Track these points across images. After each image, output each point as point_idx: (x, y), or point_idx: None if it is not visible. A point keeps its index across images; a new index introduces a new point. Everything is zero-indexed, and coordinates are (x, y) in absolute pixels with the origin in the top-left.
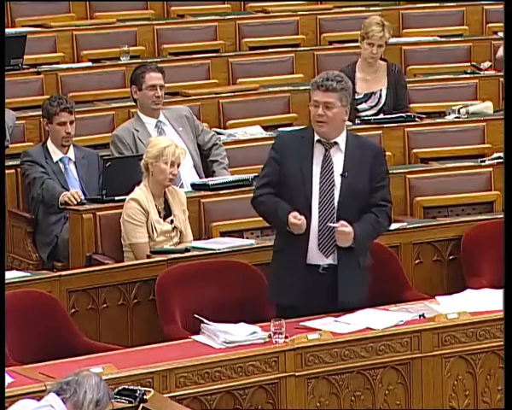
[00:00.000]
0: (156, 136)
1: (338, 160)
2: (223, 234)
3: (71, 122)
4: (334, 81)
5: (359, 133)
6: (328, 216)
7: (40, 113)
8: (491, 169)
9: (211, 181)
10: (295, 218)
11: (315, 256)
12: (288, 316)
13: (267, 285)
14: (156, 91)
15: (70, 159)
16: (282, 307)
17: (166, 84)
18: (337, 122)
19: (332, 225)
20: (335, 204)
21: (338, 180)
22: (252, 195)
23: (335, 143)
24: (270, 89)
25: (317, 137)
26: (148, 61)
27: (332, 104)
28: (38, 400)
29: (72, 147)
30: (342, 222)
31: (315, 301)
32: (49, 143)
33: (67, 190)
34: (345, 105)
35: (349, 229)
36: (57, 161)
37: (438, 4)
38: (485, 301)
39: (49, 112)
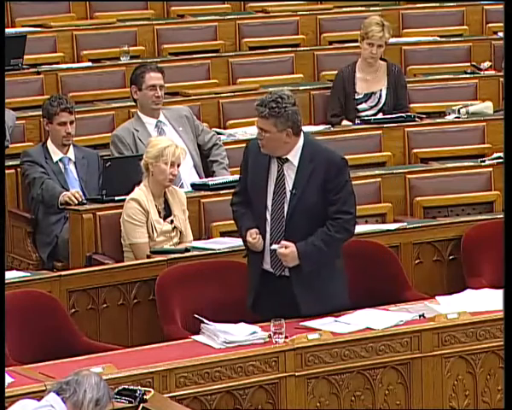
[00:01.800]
0: (156, 136)
1: (291, 175)
2: (223, 234)
3: (71, 122)
4: (267, 108)
5: (359, 133)
6: (279, 233)
7: (40, 113)
8: (491, 169)
9: (211, 181)
10: (251, 236)
11: (269, 266)
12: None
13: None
14: (156, 91)
15: (70, 159)
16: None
17: (166, 84)
18: (277, 144)
19: (273, 247)
20: (284, 220)
21: (288, 197)
22: None
23: (287, 159)
24: (270, 89)
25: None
26: (148, 61)
27: (266, 130)
28: (38, 400)
29: (72, 147)
30: (282, 243)
31: (275, 305)
32: (49, 143)
33: (67, 190)
34: (282, 129)
35: (288, 250)
36: (57, 161)
37: (438, 4)
38: (485, 301)
39: (50, 112)
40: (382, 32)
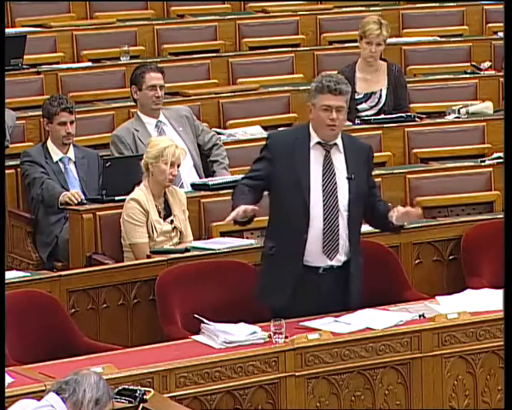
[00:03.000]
0: (156, 136)
1: (339, 161)
2: (223, 234)
3: (71, 122)
4: (343, 84)
5: (359, 133)
6: (333, 219)
7: (40, 113)
8: (491, 169)
9: (211, 181)
10: (246, 211)
11: (317, 259)
12: (282, 316)
13: (258, 287)
14: (156, 91)
15: (70, 159)
16: (274, 309)
17: (166, 84)
18: (343, 124)
19: (392, 215)
20: (341, 206)
21: (342, 183)
22: None
23: (335, 144)
24: (270, 89)
25: (316, 140)
26: (148, 61)
27: (343, 108)
28: (38, 400)
29: (72, 147)
30: (397, 209)
31: (312, 301)
32: (49, 143)
33: (67, 190)
34: (347, 107)
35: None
36: (57, 161)
37: (438, 4)
38: (485, 301)
39: (50, 112)
40: (380, 30)
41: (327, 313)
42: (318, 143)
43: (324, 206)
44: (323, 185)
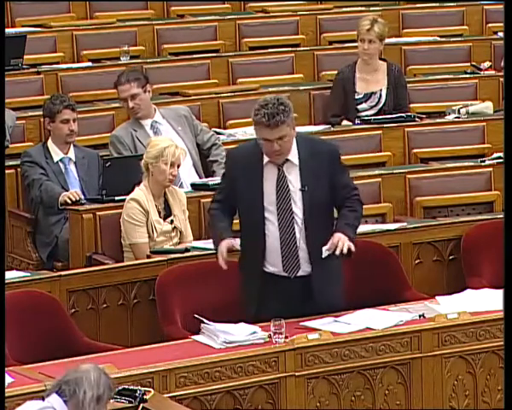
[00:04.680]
0: (152, 136)
1: (293, 175)
2: None
3: (74, 120)
4: (280, 114)
5: (359, 133)
6: (289, 235)
7: (40, 113)
8: (491, 169)
9: (211, 181)
10: (231, 246)
11: (282, 272)
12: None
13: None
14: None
15: (70, 159)
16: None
17: (166, 85)
18: (291, 145)
19: (325, 250)
20: (297, 220)
21: (297, 196)
22: None
23: (287, 160)
24: (270, 89)
25: (266, 159)
26: (148, 60)
27: (283, 136)
28: (42, 400)
29: (72, 147)
30: (331, 242)
31: (278, 307)
32: (50, 143)
33: (67, 190)
34: (293, 126)
35: (340, 235)
36: (57, 162)
37: (438, 4)
38: (485, 301)
39: (52, 110)
40: (370, 27)
41: (295, 316)
42: (270, 161)
43: (279, 223)
44: (277, 202)
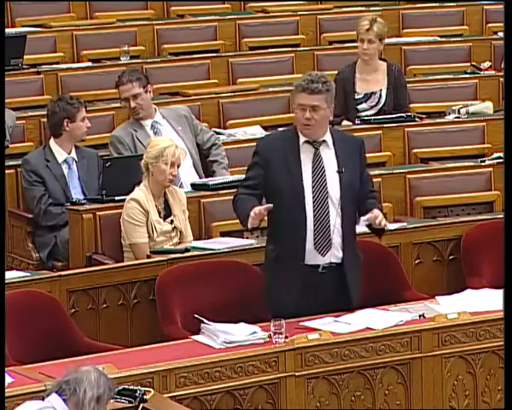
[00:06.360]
0: (152, 136)
1: (329, 157)
2: (223, 234)
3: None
4: (320, 83)
5: (359, 133)
6: (323, 215)
7: (40, 113)
8: (491, 169)
9: (211, 181)
10: (259, 209)
11: (314, 257)
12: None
13: (263, 291)
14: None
15: (74, 159)
16: (280, 312)
17: (166, 85)
18: (324, 123)
19: (363, 220)
20: (333, 200)
21: (333, 177)
22: None
23: (323, 141)
24: (270, 89)
25: (303, 139)
26: (148, 60)
27: (318, 107)
28: (42, 400)
29: (72, 147)
30: (370, 213)
31: (316, 301)
32: (53, 144)
33: (68, 192)
34: (330, 106)
35: (379, 211)
36: (61, 162)
37: (438, 4)
38: (485, 301)
39: (71, 111)
40: (369, 26)
41: (330, 312)
42: (307, 141)
43: (314, 202)
44: (313, 182)
